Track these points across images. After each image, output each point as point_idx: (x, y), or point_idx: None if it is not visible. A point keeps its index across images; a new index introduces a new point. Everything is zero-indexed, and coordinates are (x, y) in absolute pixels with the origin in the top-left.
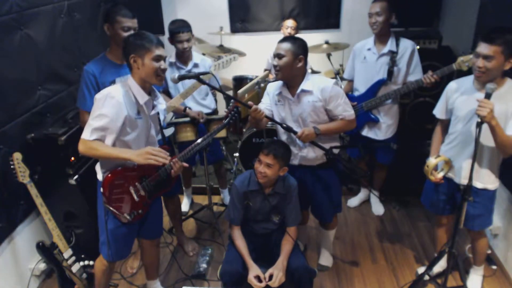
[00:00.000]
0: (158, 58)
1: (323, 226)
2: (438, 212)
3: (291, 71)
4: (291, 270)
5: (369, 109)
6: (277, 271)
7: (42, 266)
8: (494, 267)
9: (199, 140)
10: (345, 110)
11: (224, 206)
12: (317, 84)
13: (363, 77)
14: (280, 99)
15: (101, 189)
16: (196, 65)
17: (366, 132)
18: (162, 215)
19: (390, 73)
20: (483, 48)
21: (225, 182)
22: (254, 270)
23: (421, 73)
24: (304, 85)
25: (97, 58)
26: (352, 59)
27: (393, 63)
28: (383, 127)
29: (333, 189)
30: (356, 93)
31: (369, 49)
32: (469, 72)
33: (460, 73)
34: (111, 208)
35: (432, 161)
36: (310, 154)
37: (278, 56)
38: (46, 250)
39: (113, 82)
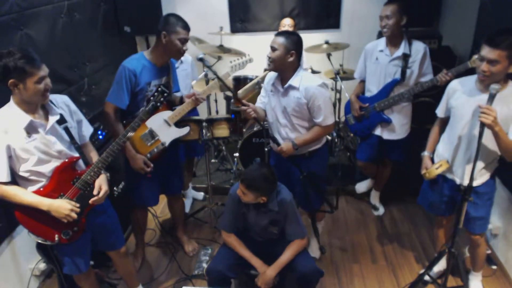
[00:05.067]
0: (41, 80)
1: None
2: (438, 213)
3: (281, 64)
4: (301, 273)
5: (382, 109)
6: (262, 281)
7: (42, 266)
8: (494, 267)
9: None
10: (321, 115)
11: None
12: (304, 82)
13: (375, 78)
14: (272, 89)
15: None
16: (180, 62)
17: (379, 132)
18: (118, 224)
19: (404, 73)
20: (488, 52)
21: (189, 181)
22: (262, 270)
23: (432, 73)
24: (292, 81)
25: (136, 57)
26: (363, 60)
27: (406, 63)
28: (398, 127)
29: (319, 177)
30: (368, 94)
31: (381, 51)
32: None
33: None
34: (38, 237)
35: (433, 172)
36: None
37: (272, 48)
38: (46, 250)
39: (149, 84)
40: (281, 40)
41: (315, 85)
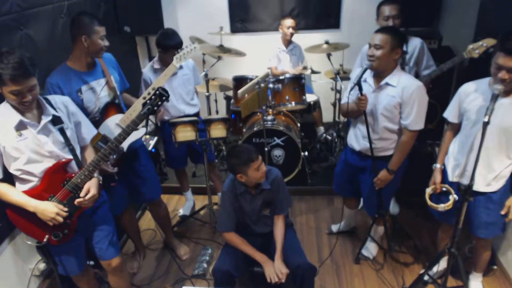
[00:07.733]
0: (18, 93)
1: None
2: (449, 221)
3: (387, 62)
4: (293, 268)
5: None
6: (284, 270)
7: (42, 266)
8: (494, 267)
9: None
10: (411, 116)
11: None
12: (403, 81)
13: None
14: (363, 86)
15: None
16: (180, 67)
17: None
18: (113, 232)
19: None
20: (506, 61)
21: (220, 185)
22: (267, 265)
23: (434, 65)
24: (390, 79)
25: (59, 68)
26: (360, 61)
27: (403, 60)
28: None
29: (386, 187)
30: None
31: None
32: (480, 64)
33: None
34: (28, 237)
35: (441, 206)
36: (378, 144)
37: (375, 46)
38: (46, 250)
39: (79, 90)
40: (386, 37)
41: (416, 85)
